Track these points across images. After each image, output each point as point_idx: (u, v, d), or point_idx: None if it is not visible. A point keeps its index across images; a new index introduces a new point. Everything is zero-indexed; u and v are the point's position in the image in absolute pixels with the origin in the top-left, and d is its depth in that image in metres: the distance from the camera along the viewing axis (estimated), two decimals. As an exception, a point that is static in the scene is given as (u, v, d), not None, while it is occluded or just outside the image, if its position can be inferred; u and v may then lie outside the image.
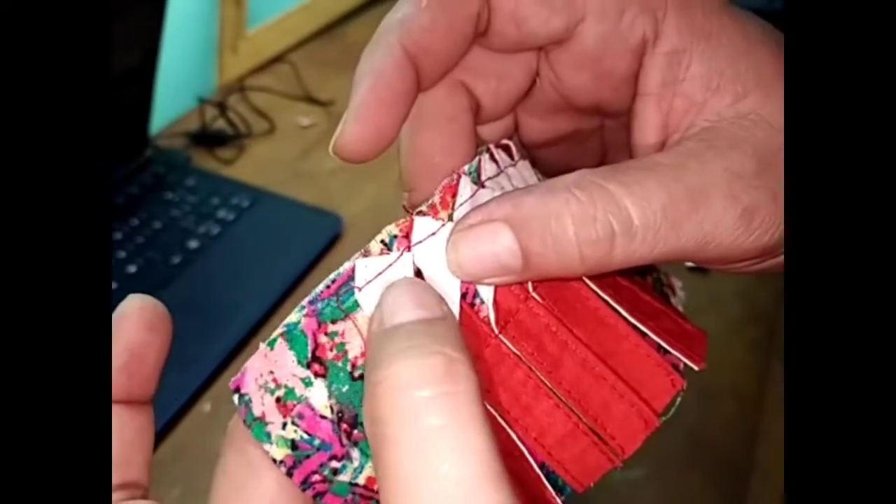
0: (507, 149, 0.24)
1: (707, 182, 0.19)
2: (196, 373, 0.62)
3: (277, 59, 1.07)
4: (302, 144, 0.93)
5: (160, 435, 0.58)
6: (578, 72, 0.23)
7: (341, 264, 0.21)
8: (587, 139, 0.26)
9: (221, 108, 0.94)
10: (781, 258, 0.21)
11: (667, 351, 0.21)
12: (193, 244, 0.75)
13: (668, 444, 0.60)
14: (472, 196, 0.21)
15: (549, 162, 0.26)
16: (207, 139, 0.90)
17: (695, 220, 0.19)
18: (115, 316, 0.21)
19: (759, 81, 0.21)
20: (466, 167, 0.22)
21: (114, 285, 0.68)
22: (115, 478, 0.20)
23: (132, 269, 0.71)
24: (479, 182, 0.22)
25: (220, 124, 0.93)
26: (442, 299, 0.19)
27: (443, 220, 0.21)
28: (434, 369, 0.17)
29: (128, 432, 0.21)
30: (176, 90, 0.92)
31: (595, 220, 0.19)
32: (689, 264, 0.27)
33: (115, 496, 0.20)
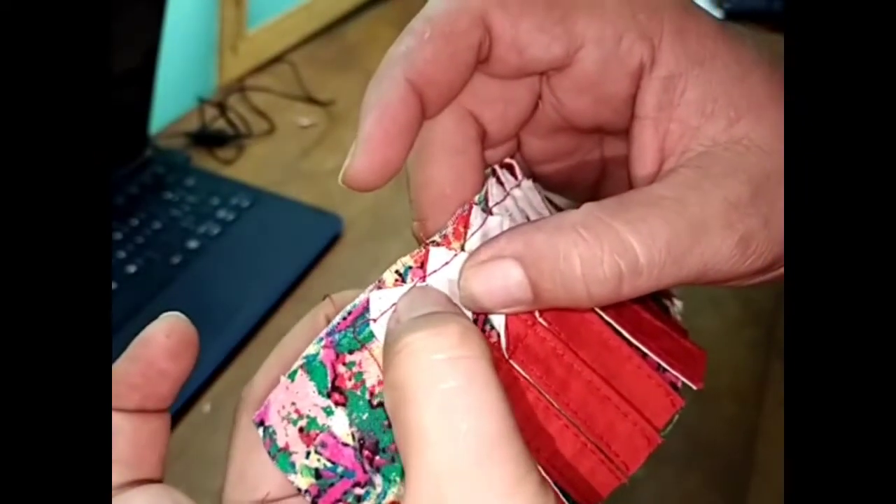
0: (510, 168, 0.24)
1: (707, 215, 0.20)
2: (196, 373, 0.61)
3: (277, 59, 1.07)
4: (302, 144, 0.93)
5: (160, 435, 0.58)
6: (579, 96, 0.23)
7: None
8: (587, 155, 0.26)
9: (221, 108, 0.94)
10: (774, 273, 0.22)
11: (666, 370, 0.22)
12: (193, 244, 0.75)
13: (668, 443, 0.60)
14: (482, 224, 0.22)
15: (550, 177, 0.26)
16: (207, 139, 0.90)
17: (696, 253, 0.20)
18: (140, 337, 0.22)
19: (751, 106, 0.21)
20: (476, 197, 0.22)
21: (114, 285, 0.68)
22: (130, 476, 0.21)
23: (132, 269, 0.71)
24: (487, 209, 0.22)
25: (220, 124, 0.93)
26: (453, 302, 0.20)
27: (455, 250, 0.21)
28: (450, 335, 0.18)
29: (142, 436, 0.22)
30: (176, 90, 0.92)
31: (602, 261, 0.20)
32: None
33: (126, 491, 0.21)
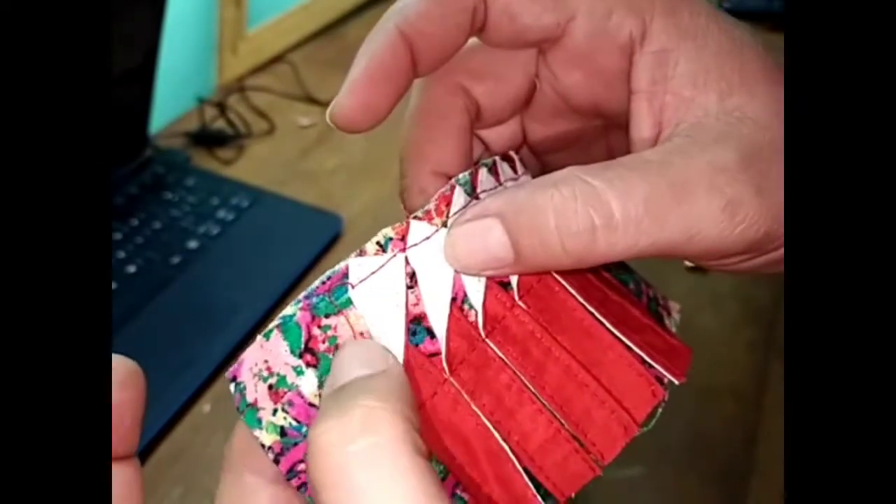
0: (511, 161, 0.25)
1: (691, 176, 0.20)
2: (196, 373, 0.62)
3: (277, 59, 1.07)
4: (302, 144, 0.93)
5: (160, 435, 0.58)
6: (572, 69, 0.24)
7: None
8: (592, 144, 0.27)
9: (221, 108, 0.94)
10: (772, 256, 0.22)
11: (651, 364, 0.22)
12: (193, 244, 0.75)
13: (667, 442, 0.60)
14: (464, 206, 0.22)
15: (557, 167, 0.27)
16: (207, 139, 0.90)
17: (678, 213, 0.20)
18: None
19: (743, 80, 0.22)
20: (460, 176, 0.22)
21: (114, 285, 0.68)
22: None
23: (132, 269, 0.71)
24: (473, 194, 0.23)
25: (220, 124, 0.93)
26: (388, 354, 0.20)
27: (437, 226, 0.22)
28: (352, 424, 0.17)
29: (116, 487, 0.21)
30: (176, 90, 0.92)
31: (576, 213, 0.20)
32: (688, 264, 0.27)
33: None
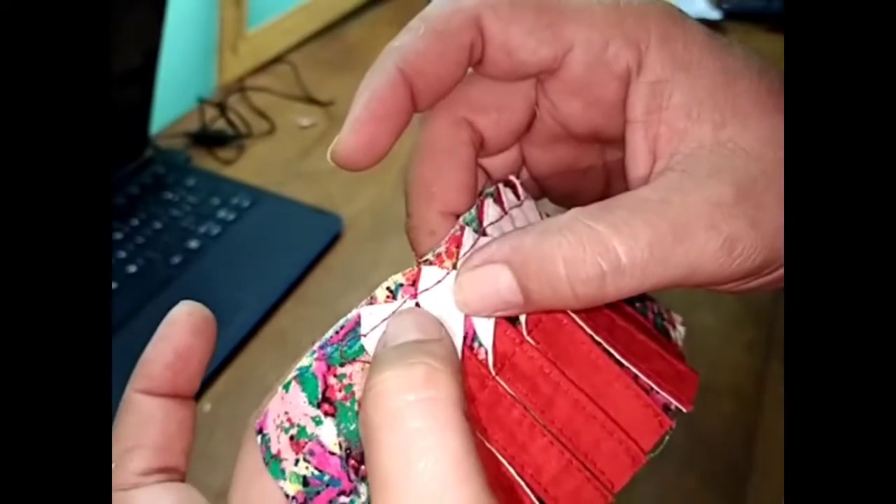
0: (513, 187, 0.25)
1: (689, 215, 0.21)
2: (196, 373, 0.62)
3: (277, 59, 1.07)
4: (302, 144, 0.93)
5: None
6: (571, 99, 0.24)
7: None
8: (590, 168, 0.27)
9: (221, 108, 0.94)
10: (768, 278, 0.22)
11: (657, 391, 0.22)
12: (193, 244, 0.75)
13: (667, 442, 0.60)
14: (473, 245, 0.23)
15: (556, 191, 0.27)
16: (207, 139, 0.90)
17: (680, 253, 0.20)
18: (165, 320, 0.24)
19: (736, 112, 0.22)
20: (467, 215, 0.23)
21: (114, 285, 0.68)
22: (156, 462, 0.23)
23: (132, 269, 0.71)
24: (480, 230, 0.23)
25: (220, 124, 0.93)
26: (441, 326, 0.21)
27: (447, 269, 0.22)
28: (416, 377, 0.18)
29: (171, 423, 0.23)
30: (176, 90, 0.92)
31: (585, 261, 0.20)
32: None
33: (154, 478, 0.22)
